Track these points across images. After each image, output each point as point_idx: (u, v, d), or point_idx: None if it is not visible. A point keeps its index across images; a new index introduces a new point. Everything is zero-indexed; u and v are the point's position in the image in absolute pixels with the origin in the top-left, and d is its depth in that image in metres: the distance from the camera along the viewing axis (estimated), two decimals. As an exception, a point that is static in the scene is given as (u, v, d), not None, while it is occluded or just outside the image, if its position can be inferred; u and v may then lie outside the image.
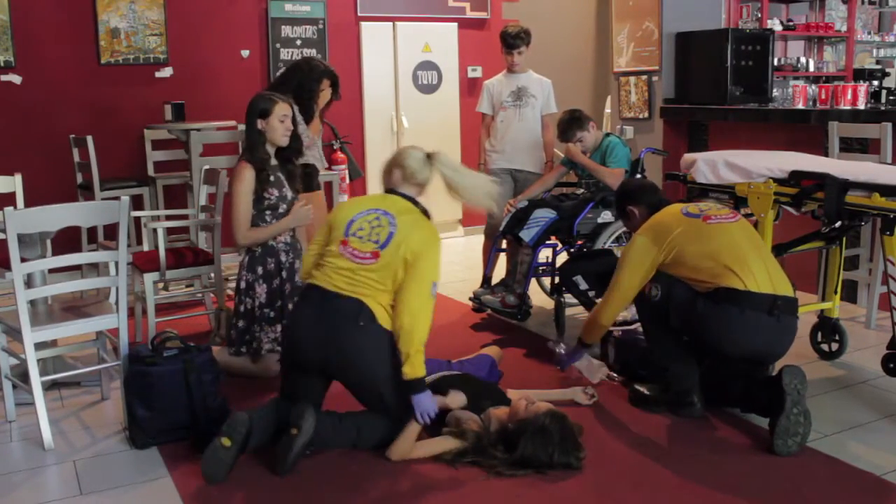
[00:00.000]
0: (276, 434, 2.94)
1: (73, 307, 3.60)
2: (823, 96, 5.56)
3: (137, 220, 5.58)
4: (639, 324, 3.61)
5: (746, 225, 3.35)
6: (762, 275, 3.13)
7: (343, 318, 2.93)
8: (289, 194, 3.85)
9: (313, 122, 4.81)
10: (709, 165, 3.94)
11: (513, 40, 4.94)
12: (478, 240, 5.54)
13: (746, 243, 3.22)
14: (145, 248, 5.03)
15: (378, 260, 2.96)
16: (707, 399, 3.33)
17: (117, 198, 3.32)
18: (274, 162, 3.86)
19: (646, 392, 3.45)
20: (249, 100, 3.88)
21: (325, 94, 4.76)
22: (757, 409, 3.23)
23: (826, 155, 4.63)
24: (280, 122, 3.79)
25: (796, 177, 3.64)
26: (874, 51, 9.20)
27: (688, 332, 3.25)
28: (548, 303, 5.02)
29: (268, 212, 3.78)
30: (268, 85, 5.10)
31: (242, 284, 3.81)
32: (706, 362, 3.34)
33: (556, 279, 4.71)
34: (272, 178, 3.79)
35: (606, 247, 4.55)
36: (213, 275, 4.41)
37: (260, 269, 3.80)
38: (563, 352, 3.82)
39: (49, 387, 3.72)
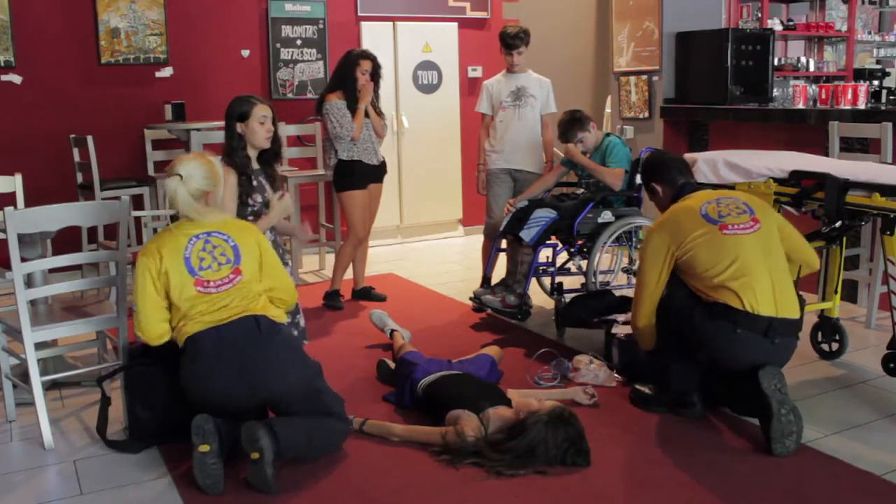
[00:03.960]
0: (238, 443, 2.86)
1: (74, 307, 3.60)
2: (824, 96, 5.56)
3: (138, 219, 5.59)
4: None
5: (765, 235, 3.19)
6: (765, 295, 3.07)
7: (246, 338, 2.88)
8: (272, 198, 3.75)
9: (357, 114, 4.90)
10: (709, 165, 3.94)
11: (512, 41, 4.93)
12: (477, 240, 5.54)
13: (758, 259, 3.12)
14: (145, 247, 5.03)
15: (243, 275, 2.99)
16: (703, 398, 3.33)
17: (117, 197, 3.32)
18: (255, 166, 3.78)
19: (647, 392, 3.45)
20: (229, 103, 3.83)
21: (367, 81, 4.91)
22: (745, 412, 3.23)
23: (826, 155, 4.63)
24: (260, 125, 3.71)
25: (796, 176, 3.64)
26: (874, 50, 9.20)
27: (684, 337, 3.25)
28: (548, 303, 5.02)
29: (250, 217, 3.70)
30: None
31: None
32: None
33: (556, 279, 4.72)
34: (255, 182, 3.72)
35: (606, 247, 4.55)
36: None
37: None
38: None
39: (49, 387, 3.72)
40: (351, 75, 4.95)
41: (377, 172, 5.18)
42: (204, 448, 2.74)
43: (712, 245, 3.14)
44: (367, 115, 5.00)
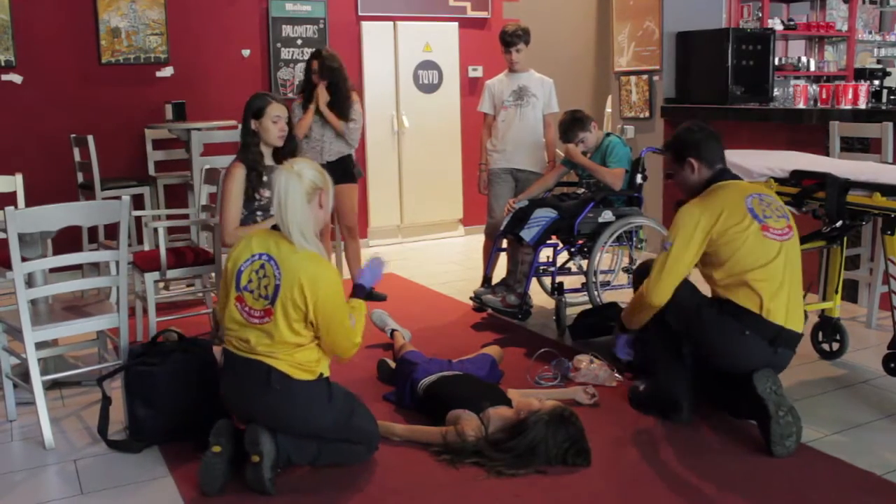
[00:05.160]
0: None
1: (74, 307, 3.60)
2: (824, 96, 5.56)
3: (138, 219, 5.59)
4: None
5: (794, 245, 3.15)
6: (780, 304, 3.05)
7: (256, 382, 2.76)
8: None
9: (306, 113, 4.86)
10: (710, 165, 3.93)
11: (510, 38, 4.93)
12: (478, 239, 5.54)
13: (784, 269, 3.08)
14: (146, 247, 5.03)
15: (272, 318, 2.73)
16: (698, 398, 3.31)
17: (118, 197, 3.32)
18: (269, 162, 3.83)
19: (641, 393, 3.44)
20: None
21: (317, 81, 4.85)
22: (743, 415, 3.22)
23: (827, 154, 4.63)
24: (273, 123, 3.77)
25: (797, 176, 3.64)
26: (875, 50, 9.20)
27: (685, 335, 3.20)
28: (548, 302, 5.02)
29: (259, 212, 3.77)
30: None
31: None
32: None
33: (557, 279, 4.71)
34: (265, 178, 3.75)
35: (607, 247, 4.55)
36: (213, 274, 4.41)
37: None
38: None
39: (50, 386, 3.72)
40: (307, 76, 4.96)
41: (329, 171, 5.00)
42: (216, 448, 2.77)
43: (754, 242, 3.06)
44: (321, 115, 4.91)
